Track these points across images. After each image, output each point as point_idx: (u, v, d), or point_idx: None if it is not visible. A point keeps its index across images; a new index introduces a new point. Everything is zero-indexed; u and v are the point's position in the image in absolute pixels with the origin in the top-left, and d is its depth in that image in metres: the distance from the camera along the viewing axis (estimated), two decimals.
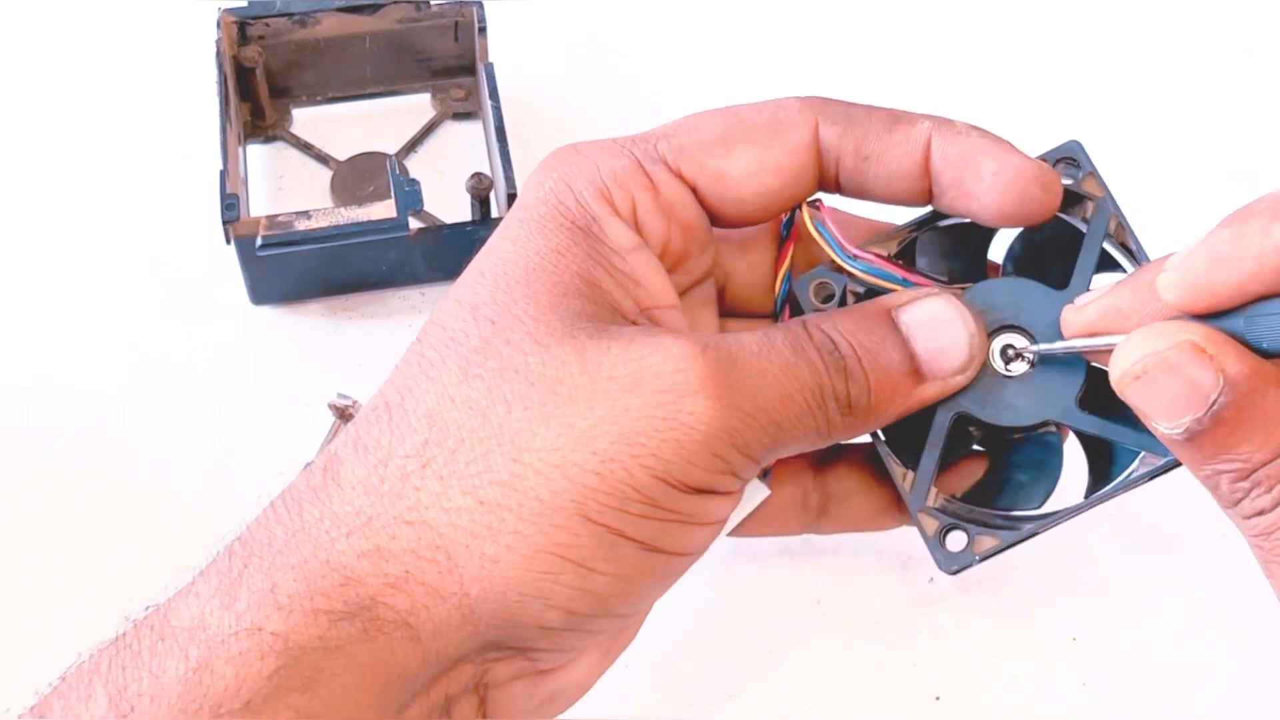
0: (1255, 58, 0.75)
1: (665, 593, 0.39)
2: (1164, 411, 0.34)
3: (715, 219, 0.41)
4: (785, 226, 0.42)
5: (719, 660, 0.56)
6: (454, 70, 0.72)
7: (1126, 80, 0.74)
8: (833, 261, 0.41)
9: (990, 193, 0.39)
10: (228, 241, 0.60)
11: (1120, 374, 0.35)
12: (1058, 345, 0.39)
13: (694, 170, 0.39)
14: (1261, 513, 0.34)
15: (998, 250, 0.42)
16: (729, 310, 0.44)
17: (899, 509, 0.43)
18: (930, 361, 0.38)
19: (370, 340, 0.64)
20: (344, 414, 0.61)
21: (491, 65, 0.68)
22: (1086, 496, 0.41)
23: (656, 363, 0.35)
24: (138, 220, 0.67)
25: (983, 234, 0.42)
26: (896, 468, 0.41)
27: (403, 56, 0.71)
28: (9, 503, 0.59)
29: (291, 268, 0.62)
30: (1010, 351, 0.40)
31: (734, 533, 0.42)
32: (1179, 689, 0.55)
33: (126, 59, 0.73)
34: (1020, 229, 0.41)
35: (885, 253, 0.42)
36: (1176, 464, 0.38)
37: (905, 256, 0.42)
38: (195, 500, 0.59)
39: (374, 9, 0.68)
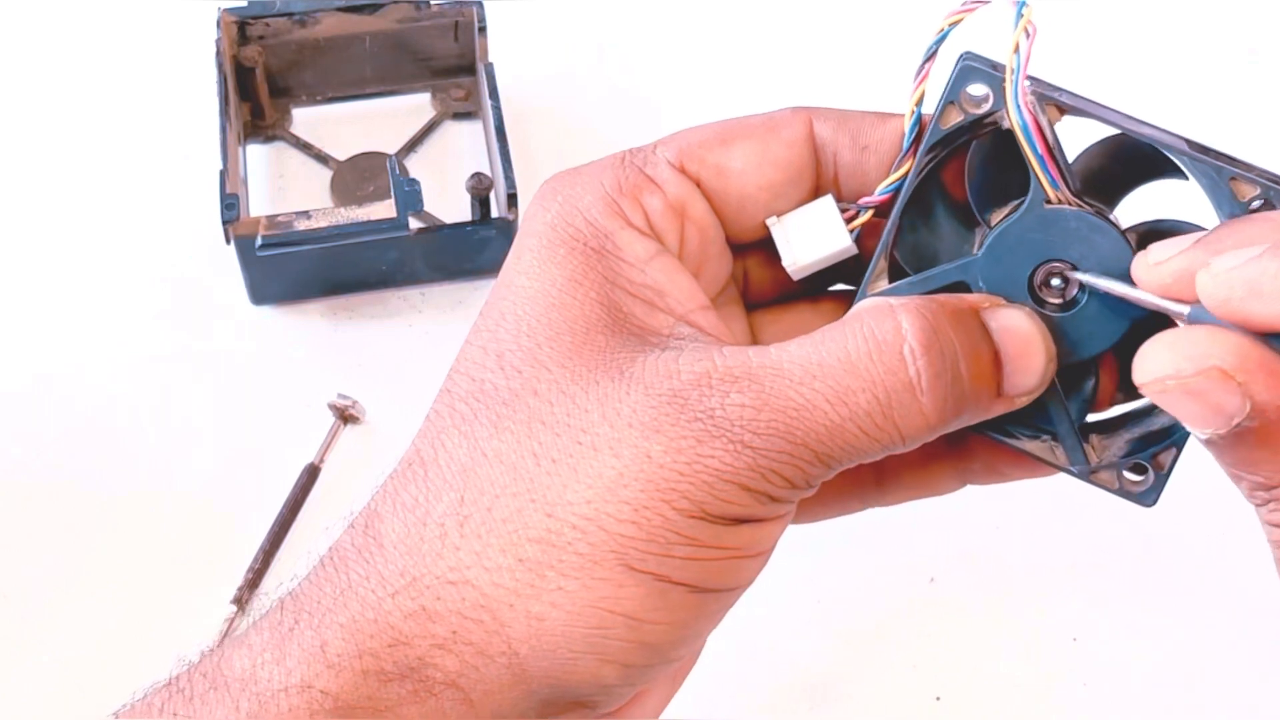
0: (1259, 59, 0.75)
1: (716, 627, 0.38)
2: (1184, 418, 0.33)
3: (724, 226, 0.40)
4: (928, 51, 0.40)
5: (719, 660, 0.56)
6: (454, 70, 0.72)
7: (1128, 80, 0.74)
8: (1003, 81, 0.38)
9: None
10: (228, 241, 0.60)
11: (1142, 382, 0.33)
12: (1118, 287, 0.35)
13: (695, 166, 0.39)
14: (1279, 525, 0.33)
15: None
16: (755, 302, 0.42)
17: (954, 469, 0.40)
18: (1010, 376, 0.36)
19: (370, 340, 0.64)
20: (344, 414, 0.61)
21: (491, 65, 0.68)
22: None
23: (674, 410, 0.34)
24: (138, 220, 0.67)
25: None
26: (1031, 444, 0.37)
27: (403, 56, 0.71)
28: (7, 502, 0.59)
29: (291, 268, 0.62)
30: (1055, 282, 0.37)
31: (795, 519, 0.39)
32: (1179, 689, 0.55)
33: (126, 59, 0.73)
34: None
35: (1050, 125, 0.39)
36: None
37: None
38: (195, 499, 0.59)
39: (374, 9, 0.68)
